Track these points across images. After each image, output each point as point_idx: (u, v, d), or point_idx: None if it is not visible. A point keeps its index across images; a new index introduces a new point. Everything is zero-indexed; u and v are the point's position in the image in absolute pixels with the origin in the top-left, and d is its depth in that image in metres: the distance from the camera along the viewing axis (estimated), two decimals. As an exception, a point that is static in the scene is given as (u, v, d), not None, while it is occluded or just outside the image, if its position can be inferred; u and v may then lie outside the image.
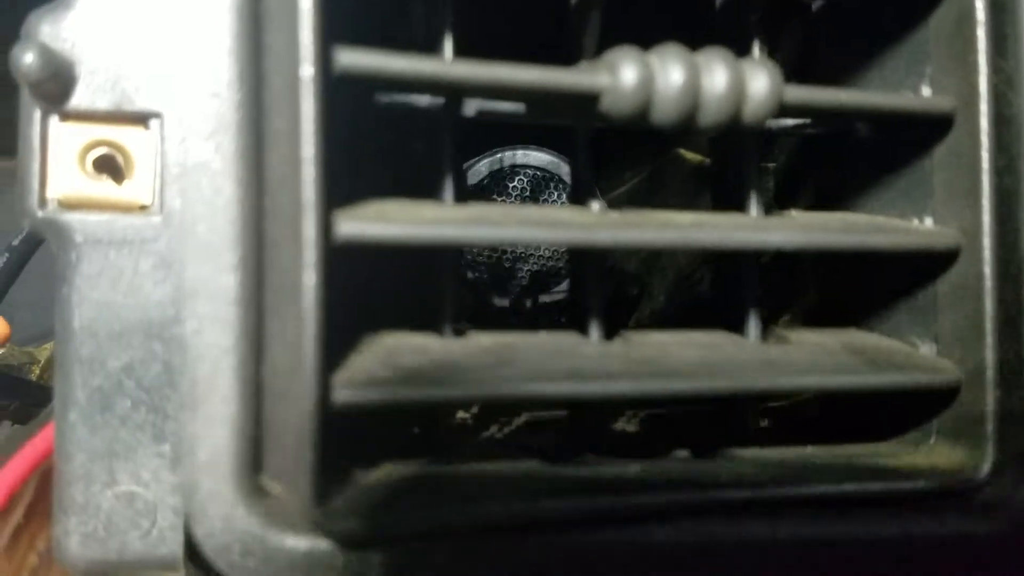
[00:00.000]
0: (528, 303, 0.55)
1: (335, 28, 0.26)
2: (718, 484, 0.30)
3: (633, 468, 0.31)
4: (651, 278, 0.54)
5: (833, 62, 0.38)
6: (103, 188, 0.30)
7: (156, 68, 0.29)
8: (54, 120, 0.29)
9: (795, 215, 0.34)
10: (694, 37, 0.31)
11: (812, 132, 0.38)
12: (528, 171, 0.56)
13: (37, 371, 0.60)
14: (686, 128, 0.29)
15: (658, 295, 0.54)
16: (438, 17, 0.31)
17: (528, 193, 0.57)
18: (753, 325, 0.33)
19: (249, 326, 0.27)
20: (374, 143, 0.36)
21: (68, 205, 0.29)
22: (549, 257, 0.56)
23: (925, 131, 0.34)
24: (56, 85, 0.29)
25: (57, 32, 0.29)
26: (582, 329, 0.33)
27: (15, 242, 0.48)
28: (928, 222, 0.34)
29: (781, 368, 0.31)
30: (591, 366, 0.30)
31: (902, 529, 0.31)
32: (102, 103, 0.29)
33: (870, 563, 0.31)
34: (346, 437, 0.28)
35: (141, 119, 0.29)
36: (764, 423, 0.39)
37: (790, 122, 0.37)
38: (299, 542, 0.28)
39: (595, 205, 0.32)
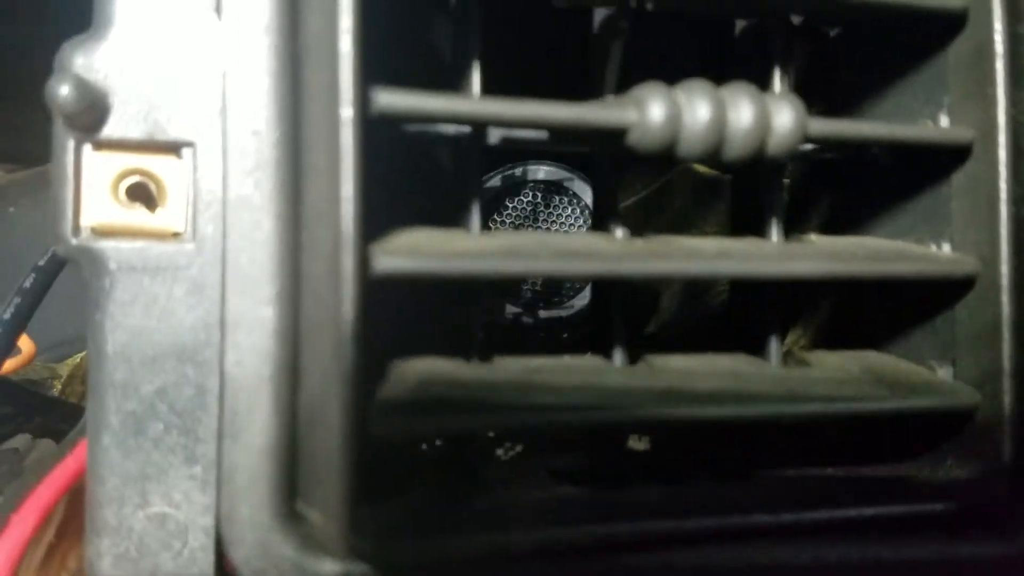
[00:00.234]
0: (542, 315, 0.55)
1: (369, 60, 0.26)
2: (740, 509, 0.31)
3: (656, 492, 0.32)
4: (663, 290, 0.55)
5: (850, 86, 0.39)
6: (136, 216, 0.30)
7: (188, 98, 0.29)
8: (87, 149, 0.30)
9: (816, 240, 0.35)
10: (713, 65, 0.32)
11: (828, 156, 0.39)
12: (540, 184, 0.57)
13: (59, 386, 0.60)
14: (711, 161, 0.30)
15: (670, 307, 0.54)
16: (466, 47, 0.31)
17: (540, 203, 0.57)
18: (774, 349, 0.34)
19: (287, 357, 0.28)
20: (399, 167, 0.36)
21: (101, 233, 0.30)
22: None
23: (943, 159, 0.34)
24: (90, 116, 0.29)
25: (91, 63, 0.29)
26: (605, 353, 0.33)
27: (41, 262, 0.48)
28: (946, 248, 0.34)
29: (805, 396, 0.31)
30: (617, 393, 0.30)
31: (921, 552, 0.31)
32: (135, 132, 0.29)
33: (890, 586, 0.31)
34: (374, 457, 0.29)
35: (174, 148, 0.30)
36: (781, 444, 0.40)
37: (808, 147, 0.38)
38: (334, 567, 0.28)
39: (619, 232, 0.32)
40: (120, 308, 0.29)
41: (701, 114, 0.29)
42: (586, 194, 0.57)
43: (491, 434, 0.43)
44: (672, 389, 0.30)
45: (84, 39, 0.29)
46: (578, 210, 0.57)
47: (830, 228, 0.41)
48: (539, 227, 0.57)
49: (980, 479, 0.33)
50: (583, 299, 0.56)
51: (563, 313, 0.57)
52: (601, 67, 0.33)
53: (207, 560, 0.30)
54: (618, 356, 0.32)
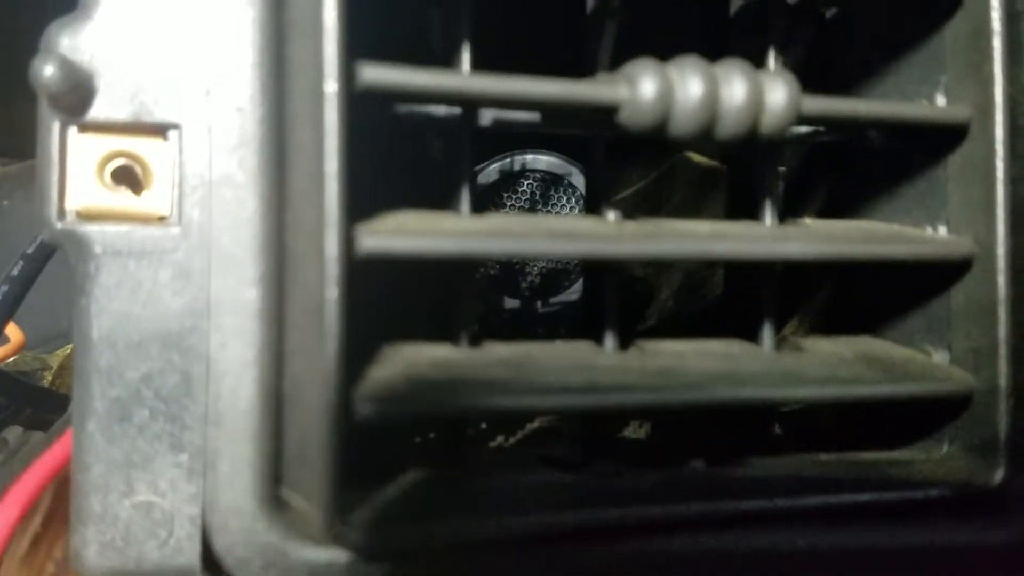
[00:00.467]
0: (539, 305, 0.55)
1: (356, 40, 0.26)
2: (736, 494, 0.30)
3: (650, 478, 0.31)
4: (659, 280, 0.54)
5: (846, 68, 0.39)
6: (122, 199, 0.30)
7: (174, 79, 0.29)
8: (72, 132, 0.29)
9: (810, 224, 0.35)
10: (709, 45, 0.31)
11: (825, 139, 0.38)
12: (537, 174, 0.57)
13: (49, 377, 0.60)
14: (704, 139, 0.29)
15: (666, 296, 0.54)
16: (456, 26, 0.31)
17: (537, 195, 0.57)
18: (768, 334, 0.33)
19: (271, 340, 0.28)
20: (387, 150, 0.36)
21: (87, 216, 0.29)
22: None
23: (939, 140, 0.34)
24: (75, 97, 0.29)
25: (76, 44, 0.29)
26: (597, 338, 0.33)
27: (29, 250, 0.48)
28: (942, 230, 0.34)
29: (798, 379, 0.31)
30: (608, 377, 0.30)
31: (917, 538, 0.31)
32: (121, 114, 0.29)
33: (886, 572, 0.31)
34: (364, 446, 0.28)
35: (160, 130, 0.29)
36: (777, 430, 0.39)
37: (804, 129, 0.37)
38: (319, 554, 0.28)
39: (611, 215, 0.32)
40: (105, 293, 0.29)
41: (693, 90, 0.28)
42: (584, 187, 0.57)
43: (483, 425, 0.42)
44: (663, 372, 0.30)
45: (70, 20, 0.29)
46: (575, 202, 0.57)
47: (826, 214, 0.41)
48: (536, 219, 0.57)
49: (976, 464, 0.32)
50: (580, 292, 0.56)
51: (561, 306, 0.56)
52: (594, 46, 0.33)
53: (193, 550, 0.29)
54: (609, 341, 0.32)
